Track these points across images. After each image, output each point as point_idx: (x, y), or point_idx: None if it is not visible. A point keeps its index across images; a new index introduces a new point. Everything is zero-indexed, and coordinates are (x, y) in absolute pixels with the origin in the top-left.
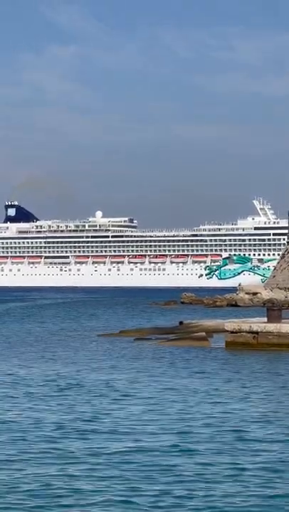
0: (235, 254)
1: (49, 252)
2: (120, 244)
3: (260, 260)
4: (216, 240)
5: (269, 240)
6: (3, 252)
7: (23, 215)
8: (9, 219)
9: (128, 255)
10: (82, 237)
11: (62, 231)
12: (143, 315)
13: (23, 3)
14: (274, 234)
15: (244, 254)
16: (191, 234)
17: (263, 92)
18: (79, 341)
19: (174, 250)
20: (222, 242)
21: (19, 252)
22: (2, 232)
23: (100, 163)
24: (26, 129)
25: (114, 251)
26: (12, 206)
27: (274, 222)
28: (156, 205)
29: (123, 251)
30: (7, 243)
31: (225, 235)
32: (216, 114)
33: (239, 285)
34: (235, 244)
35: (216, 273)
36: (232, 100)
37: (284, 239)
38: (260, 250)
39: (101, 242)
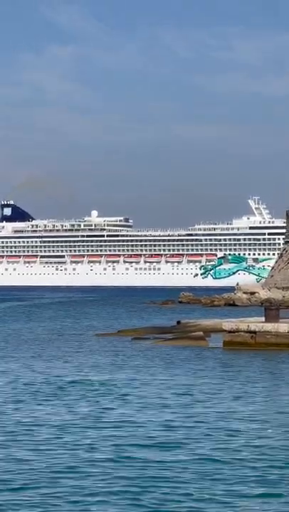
0: (230, 254)
1: (45, 251)
2: (115, 243)
3: (255, 260)
4: (211, 240)
5: (264, 239)
6: None
7: (18, 215)
8: (5, 218)
9: (123, 255)
10: (77, 236)
11: (57, 230)
12: (141, 314)
13: (23, 3)
14: (269, 234)
15: (239, 254)
16: (186, 233)
17: (263, 92)
18: (77, 341)
19: (169, 250)
20: (217, 241)
21: (15, 251)
22: None
23: (99, 163)
24: (26, 129)
25: (110, 250)
26: (8, 206)
27: (269, 222)
28: (152, 204)
29: (118, 250)
30: (3, 242)
31: (220, 235)
32: (215, 114)
33: (237, 285)
34: (230, 244)
35: (211, 272)
36: (232, 100)
37: (279, 238)
38: (255, 250)
39: (96, 241)
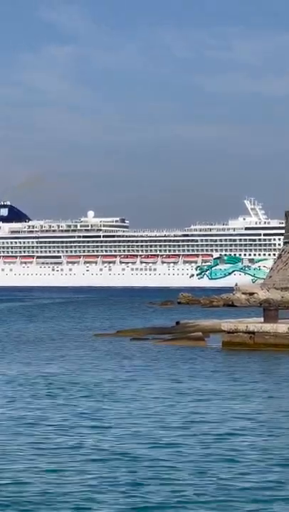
0: (226, 254)
1: (41, 251)
2: (112, 244)
3: (251, 260)
4: (207, 240)
5: (260, 240)
6: None
7: (15, 215)
8: (1, 219)
9: (119, 255)
10: (74, 237)
11: (54, 231)
12: (140, 315)
13: (22, 3)
14: (265, 234)
15: (235, 254)
16: (182, 234)
17: (263, 92)
18: (76, 341)
19: (165, 250)
20: (213, 242)
21: (11, 251)
22: None
23: (96, 163)
24: (25, 129)
25: (106, 251)
26: (4, 206)
27: (265, 223)
28: (148, 205)
29: (115, 251)
30: None
31: (216, 235)
32: (215, 114)
33: (236, 285)
34: (226, 245)
35: (206, 273)
36: (231, 100)
37: (274, 239)
38: (250, 250)
39: (93, 242)
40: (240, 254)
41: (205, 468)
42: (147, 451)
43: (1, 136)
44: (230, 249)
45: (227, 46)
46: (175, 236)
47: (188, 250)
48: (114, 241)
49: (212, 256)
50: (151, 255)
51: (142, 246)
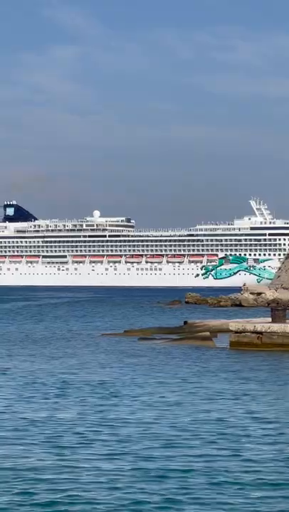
0: (231, 254)
1: (47, 251)
2: (117, 243)
3: (256, 260)
4: (212, 240)
5: (265, 240)
6: (1, 251)
7: (21, 215)
8: (8, 218)
9: (125, 255)
10: (79, 236)
11: (60, 230)
12: (147, 315)
13: (24, 3)
14: (270, 234)
15: (240, 254)
16: (187, 234)
17: (264, 92)
18: (83, 341)
19: (170, 250)
20: (218, 242)
21: (17, 251)
22: (0, 231)
23: (102, 163)
24: (30, 129)
25: (112, 250)
26: (11, 206)
27: (270, 223)
28: (154, 205)
29: (120, 250)
30: (5, 242)
31: (221, 235)
32: (216, 115)
33: (244, 285)
34: (231, 244)
35: (212, 273)
36: (235, 101)
37: (279, 239)
38: (256, 250)
39: (98, 241)
40: (245, 254)
41: (215, 466)
42: (157, 451)
43: (6, 136)
44: (236, 249)
45: (228, 47)
46: (180, 236)
47: (193, 250)
48: (120, 241)
49: (217, 256)
50: (156, 255)
51: (147, 246)
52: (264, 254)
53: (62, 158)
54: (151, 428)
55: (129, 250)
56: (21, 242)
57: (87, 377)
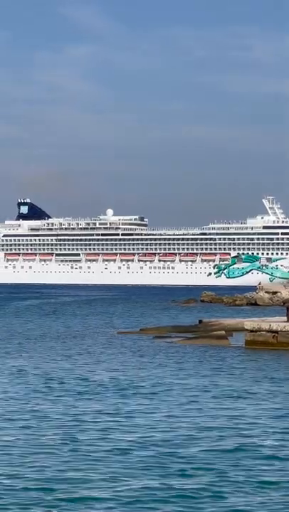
0: (243, 253)
1: (60, 249)
2: (130, 242)
3: (269, 259)
4: (224, 239)
5: (278, 239)
6: (15, 249)
7: (35, 213)
8: (21, 216)
9: (138, 253)
10: (92, 234)
11: (73, 229)
12: (162, 313)
13: (40, 1)
14: (282, 233)
15: (252, 253)
16: (200, 233)
17: (282, 91)
18: (99, 339)
19: (183, 249)
20: (231, 241)
21: (31, 249)
22: (14, 229)
23: (115, 162)
24: (46, 127)
25: (124, 249)
26: (25, 204)
27: (283, 222)
28: (166, 203)
29: (133, 249)
30: (19, 240)
31: (234, 234)
32: (234, 114)
33: (259, 284)
34: (244, 243)
35: (224, 272)
36: (250, 100)
37: None
38: (268, 249)
39: (111, 240)
40: (257, 253)
41: (240, 466)
42: (178, 449)
43: (22, 134)
44: (248, 248)
45: (244, 46)
46: (193, 235)
47: (206, 249)
48: (133, 239)
49: (230, 255)
50: (169, 253)
51: (160, 244)
52: (276, 253)
53: (75, 156)
54: (170, 426)
55: (142, 249)
56: (35, 240)
57: (104, 375)
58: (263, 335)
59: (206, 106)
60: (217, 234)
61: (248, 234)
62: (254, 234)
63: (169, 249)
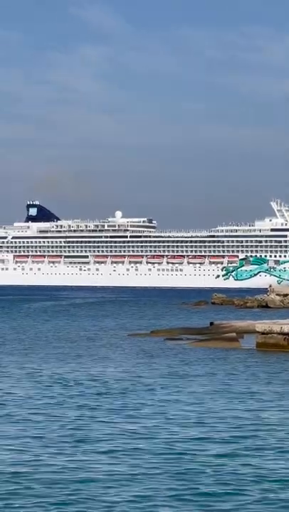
0: (251, 256)
1: (69, 251)
2: (139, 244)
3: (277, 262)
4: (233, 241)
5: (286, 241)
6: (24, 251)
7: (44, 215)
8: (30, 218)
9: (146, 255)
10: (101, 237)
11: (82, 231)
12: (173, 315)
13: (52, 2)
14: None
15: (260, 256)
16: (208, 235)
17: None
18: (110, 341)
19: (191, 251)
20: (239, 243)
21: (40, 251)
22: (23, 231)
23: (124, 163)
24: (56, 128)
25: (133, 251)
26: (34, 206)
27: None
28: (176, 205)
29: (141, 251)
30: (28, 242)
31: (242, 236)
32: (243, 116)
33: (270, 286)
34: (252, 246)
35: (232, 274)
36: (260, 101)
37: None
38: (276, 252)
39: (120, 242)
40: (265, 256)
41: (250, 461)
42: (190, 450)
43: (26, 135)
44: (256, 251)
45: (257, 47)
46: (201, 237)
47: (214, 251)
48: (141, 241)
49: (238, 257)
50: (177, 256)
51: (168, 246)
52: (284, 256)
53: (85, 157)
54: (183, 429)
55: (151, 251)
56: (44, 242)
57: (114, 377)
58: (274, 337)
59: (218, 107)
60: (225, 236)
61: (256, 236)
62: (262, 236)
63: (178, 251)
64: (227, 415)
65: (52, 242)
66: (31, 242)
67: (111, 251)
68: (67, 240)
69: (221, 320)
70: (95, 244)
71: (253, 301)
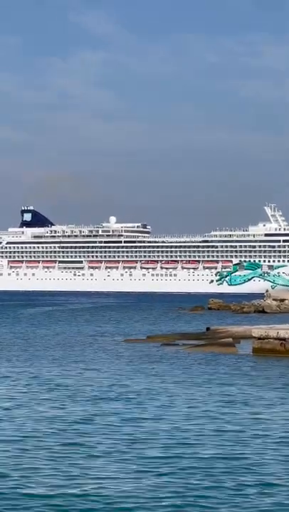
0: (245, 261)
1: (63, 256)
2: (133, 249)
3: (270, 267)
4: (227, 246)
5: (279, 246)
6: (18, 256)
7: (38, 220)
8: (25, 224)
9: (140, 261)
10: (95, 242)
11: (76, 236)
12: (170, 320)
13: (51, 8)
14: (284, 240)
15: (254, 261)
16: (202, 240)
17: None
18: (106, 346)
19: (185, 256)
20: (233, 248)
21: (34, 256)
22: (18, 236)
23: (118, 169)
24: (53, 133)
25: (127, 256)
26: (28, 211)
27: (285, 229)
28: (170, 211)
29: (135, 256)
30: (22, 247)
31: (236, 242)
32: (238, 120)
33: (267, 291)
34: (245, 251)
35: (226, 279)
36: (253, 106)
37: None
38: (270, 257)
39: (114, 247)
40: (259, 261)
41: (246, 469)
42: (187, 455)
43: (23, 140)
44: (250, 256)
45: (256, 52)
46: (195, 242)
47: (208, 256)
48: (135, 247)
49: (232, 262)
50: (171, 261)
51: (162, 252)
52: (278, 261)
53: (80, 162)
54: (181, 434)
55: (145, 256)
56: (38, 247)
57: (110, 382)
58: (271, 342)
59: (215, 112)
60: (219, 241)
61: (250, 241)
62: (256, 241)
63: (172, 256)
64: (223, 420)
65: (46, 247)
66: (26, 247)
67: (105, 256)
68: (62, 245)
69: (218, 325)
70: (89, 250)
71: (249, 306)
